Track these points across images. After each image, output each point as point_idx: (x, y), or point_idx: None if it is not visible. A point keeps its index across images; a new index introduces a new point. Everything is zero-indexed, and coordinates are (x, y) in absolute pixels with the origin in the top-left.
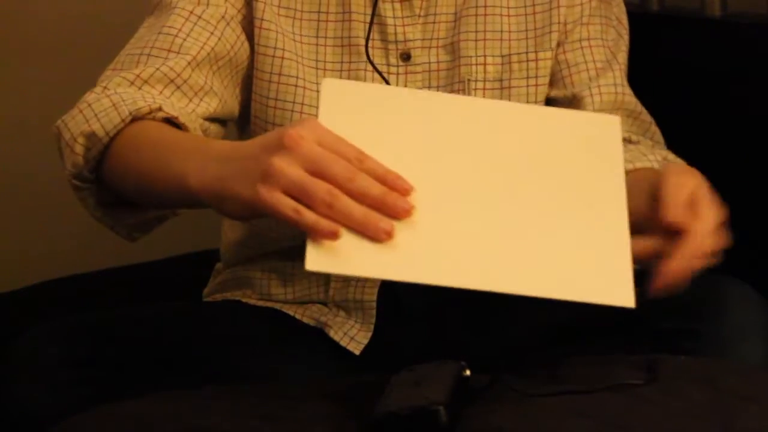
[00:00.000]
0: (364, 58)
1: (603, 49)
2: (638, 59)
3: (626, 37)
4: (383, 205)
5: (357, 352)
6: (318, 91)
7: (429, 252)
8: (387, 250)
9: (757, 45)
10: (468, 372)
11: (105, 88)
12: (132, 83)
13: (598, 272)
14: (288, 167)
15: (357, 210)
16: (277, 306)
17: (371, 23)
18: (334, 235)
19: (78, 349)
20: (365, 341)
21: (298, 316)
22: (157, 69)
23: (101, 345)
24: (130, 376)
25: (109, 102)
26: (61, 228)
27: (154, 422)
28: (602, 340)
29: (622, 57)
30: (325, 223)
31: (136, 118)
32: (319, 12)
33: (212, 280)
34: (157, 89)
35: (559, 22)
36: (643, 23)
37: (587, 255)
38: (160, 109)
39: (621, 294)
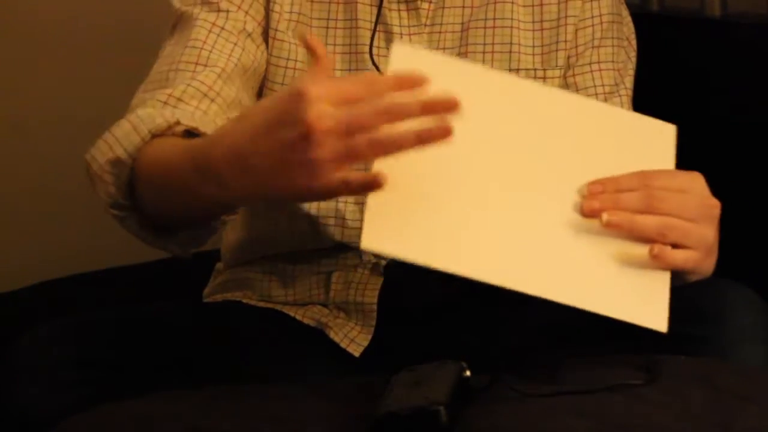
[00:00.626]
0: (369, 65)
1: (612, 72)
2: (638, 59)
3: (634, 60)
4: (431, 110)
5: (357, 354)
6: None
7: (481, 248)
8: (444, 240)
9: (757, 45)
10: (468, 372)
11: (130, 113)
12: (166, 103)
13: (637, 292)
14: (329, 152)
15: (406, 136)
16: (278, 307)
17: (374, 30)
18: (381, 177)
19: (78, 349)
20: (365, 343)
21: (298, 317)
22: (188, 85)
23: (101, 345)
24: (130, 377)
25: (129, 125)
26: (61, 228)
27: (154, 422)
28: (603, 344)
29: (629, 81)
30: (371, 175)
31: (156, 136)
32: (328, 20)
33: (212, 281)
34: (192, 105)
35: (566, 40)
36: (643, 23)
37: (628, 272)
38: (178, 122)
39: (655, 317)
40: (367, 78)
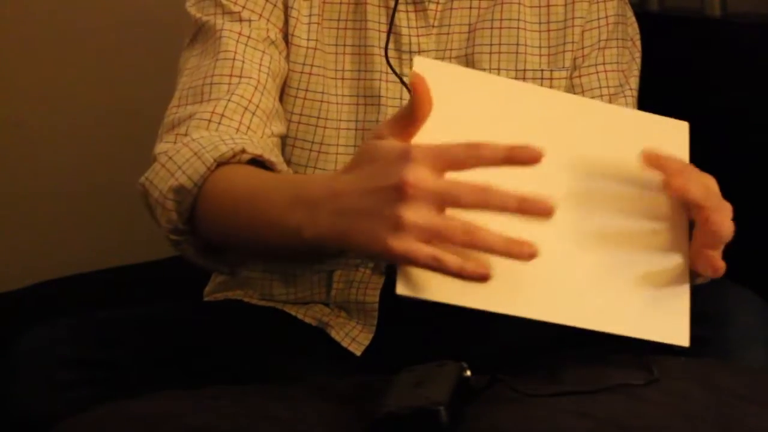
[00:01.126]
0: (379, 67)
1: (617, 74)
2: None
3: (639, 60)
4: (525, 211)
5: (358, 353)
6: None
7: (515, 283)
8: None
9: (757, 45)
10: (468, 372)
11: (182, 135)
12: (210, 121)
13: (658, 310)
14: (418, 217)
15: (497, 241)
16: (279, 306)
17: (389, 32)
18: (484, 278)
19: (78, 349)
20: (366, 342)
21: (300, 316)
22: (229, 100)
23: (101, 345)
24: (130, 377)
25: (190, 151)
26: (61, 228)
27: (155, 422)
28: (603, 344)
29: (634, 82)
30: (470, 268)
31: (221, 164)
32: (338, 20)
33: (213, 280)
34: (236, 120)
35: (573, 41)
36: (643, 23)
37: (648, 290)
38: (243, 151)
39: (677, 333)
40: (473, 144)
